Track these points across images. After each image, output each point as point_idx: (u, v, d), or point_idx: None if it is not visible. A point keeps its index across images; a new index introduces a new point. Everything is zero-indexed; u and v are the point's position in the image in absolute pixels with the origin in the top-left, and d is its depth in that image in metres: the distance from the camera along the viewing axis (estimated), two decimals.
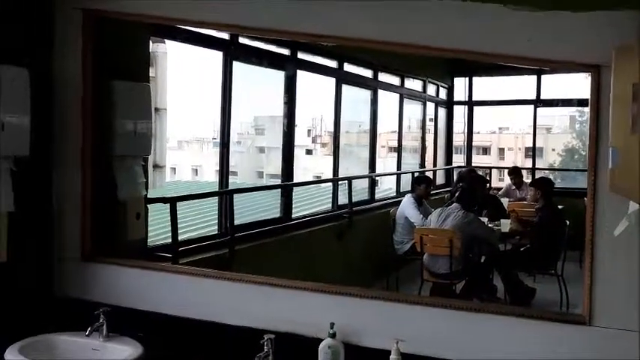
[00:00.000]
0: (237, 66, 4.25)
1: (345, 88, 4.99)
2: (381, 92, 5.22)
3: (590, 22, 2.50)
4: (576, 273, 3.21)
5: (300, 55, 4.59)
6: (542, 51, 2.61)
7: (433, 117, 5.49)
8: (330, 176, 5.15)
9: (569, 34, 2.55)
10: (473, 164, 5.23)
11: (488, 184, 5.09)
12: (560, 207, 4.37)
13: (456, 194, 4.46)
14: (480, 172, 5.19)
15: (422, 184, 4.82)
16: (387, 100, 5.32)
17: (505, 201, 4.90)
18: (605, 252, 2.54)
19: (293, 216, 4.70)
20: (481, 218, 4.46)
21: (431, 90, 5.41)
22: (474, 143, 5.24)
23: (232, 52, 4.18)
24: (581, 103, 4.05)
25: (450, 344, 2.76)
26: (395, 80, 5.28)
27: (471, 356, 2.72)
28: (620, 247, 2.50)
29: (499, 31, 2.66)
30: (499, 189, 5.11)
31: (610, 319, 2.54)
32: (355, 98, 5.27)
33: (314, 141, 5.31)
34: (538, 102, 4.81)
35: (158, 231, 4.03)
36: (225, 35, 4.07)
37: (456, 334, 2.76)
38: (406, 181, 5.26)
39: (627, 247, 2.49)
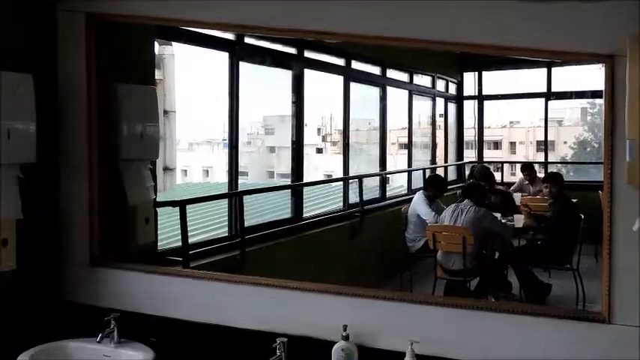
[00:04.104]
0: (244, 66, 4.21)
1: (353, 85, 4.95)
2: (389, 89, 5.18)
3: (603, 11, 2.44)
4: (592, 267, 3.17)
5: (307, 54, 4.55)
6: (554, 42, 2.56)
7: (443, 112, 5.43)
8: (341, 175, 5.10)
9: (582, 24, 2.49)
10: (484, 159, 5.17)
11: (493, 180, 5.02)
12: (573, 200, 4.31)
13: (466, 191, 4.41)
14: (492, 167, 5.12)
15: (434, 188, 4.73)
16: (396, 97, 5.28)
17: (518, 196, 4.84)
18: (624, 247, 2.48)
19: (304, 216, 4.66)
20: (494, 214, 4.40)
21: (440, 85, 5.35)
22: (484, 138, 5.18)
23: (238, 52, 4.15)
24: (595, 94, 3.98)
25: (466, 345, 2.71)
26: (404, 77, 5.23)
27: (487, 357, 2.67)
28: None
29: (510, 23, 2.61)
30: (511, 184, 5.05)
31: (630, 316, 2.48)
32: (364, 96, 5.23)
33: (324, 140, 5.28)
34: (550, 95, 4.74)
35: (168, 234, 4.00)
36: (230, 35, 4.03)
37: (471, 334, 2.72)
38: (417, 178, 5.21)
39: None
